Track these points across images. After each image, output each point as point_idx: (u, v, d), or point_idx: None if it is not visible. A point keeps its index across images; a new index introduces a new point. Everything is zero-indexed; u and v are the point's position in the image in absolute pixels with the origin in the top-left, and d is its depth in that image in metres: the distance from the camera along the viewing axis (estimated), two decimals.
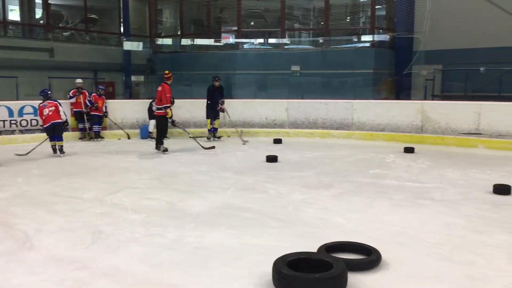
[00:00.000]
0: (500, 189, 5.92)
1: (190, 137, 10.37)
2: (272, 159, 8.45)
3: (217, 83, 11.37)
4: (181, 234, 4.38)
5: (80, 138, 11.68)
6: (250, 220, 4.84)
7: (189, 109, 12.67)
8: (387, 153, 9.50)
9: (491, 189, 6.03)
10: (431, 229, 4.59)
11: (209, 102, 11.40)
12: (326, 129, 12.36)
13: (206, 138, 11.43)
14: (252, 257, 3.79)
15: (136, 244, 4.11)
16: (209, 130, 11.48)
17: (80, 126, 11.69)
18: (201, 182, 6.78)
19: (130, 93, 16.74)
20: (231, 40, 17.13)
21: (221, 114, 11.87)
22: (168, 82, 9.61)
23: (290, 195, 5.92)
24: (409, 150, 9.59)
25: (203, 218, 4.89)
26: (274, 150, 9.78)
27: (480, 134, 10.38)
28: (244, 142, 11.00)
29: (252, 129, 12.69)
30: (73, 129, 11.70)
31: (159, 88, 9.55)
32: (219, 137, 11.61)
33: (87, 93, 11.72)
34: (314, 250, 3.75)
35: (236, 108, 12.65)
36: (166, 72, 9.82)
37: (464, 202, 5.62)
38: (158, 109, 9.62)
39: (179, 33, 18.18)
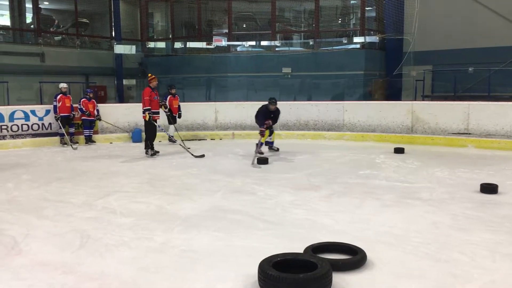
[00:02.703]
0: (487, 188, 5.99)
1: (180, 144, 10.15)
2: (262, 161, 8.49)
3: (273, 107, 9.58)
4: (169, 237, 4.40)
5: (64, 143, 11.38)
6: (238, 222, 4.87)
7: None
8: (377, 153, 9.57)
9: (479, 188, 6.10)
10: (417, 228, 4.63)
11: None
12: (318, 131, 12.42)
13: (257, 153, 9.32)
14: (239, 259, 3.82)
15: (124, 248, 4.12)
16: (262, 144, 9.61)
17: (61, 131, 11.39)
18: (191, 185, 6.80)
19: (122, 97, 16.72)
20: (224, 43, 17.19)
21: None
22: (150, 84, 9.55)
23: (278, 197, 5.95)
24: (399, 150, 9.65)
25: (191, 221, 4.91)
26: (265, 152, 9.82)
27: (469, 133, 10.48)
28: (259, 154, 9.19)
29: (244, 131, 12.72)
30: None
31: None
32: (277, 149, 10.10)
33: (71, 98, 11.67)
34: (301, 251, 3.78)
35: (227, 110, 12.77)
36: (149, 74, 9.82)
37: (451, 201, 5.68)
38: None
39: (170, 36, 18.23)
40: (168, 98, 11.64)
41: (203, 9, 17.15)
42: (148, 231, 4.56)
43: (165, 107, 10.81)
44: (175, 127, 11.75)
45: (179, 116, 11.87)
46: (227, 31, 16.85)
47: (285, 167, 8.27)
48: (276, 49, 16.40)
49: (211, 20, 17.83)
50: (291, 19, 17.75)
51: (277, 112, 9.74)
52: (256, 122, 9.68)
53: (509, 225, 4.69)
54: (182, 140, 11.36)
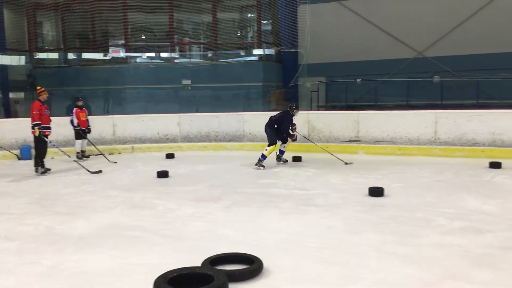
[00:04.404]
0: (374, 192, 6.42)
1: (74, 160, 9.72)
2: (163, 174, 8.34)
3: (296, 112, 9.47)
4: (60, 259, 4.12)
5: None
6: (135, 238, 4.71)
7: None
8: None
9: (367, 192, 6.51)
10: (313, 233, 4.82)
11: (276, 126, 9.35)
12: (219, 142, 12.50)
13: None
14: (135, 277, 3.69)
15: (8, 275, 3.79)
16: (279, 153, 9.76)
17: None
18: (86, 202, 6.47)
19: (9, 111, 15.50)
20: (121, 54, 16.73)
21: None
22: (40, 98, 9.00)
23: (179, 210, 5.87)
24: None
25: (85, 241, 4.66)
26: (166, 165, 9.67)
27: (359, 141, 11.18)
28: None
29: (144, 144, 12.43)
30: None
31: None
32: (286, 161, 9.78)
33: None
34: (200, 264, 3.75)
35: (126, 123, 12.40)
36: (39, 87, 9.27)
37: (344, 205, 6.00)
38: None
39: (62, 47, 17.33)
40: (74, 111, 10.98)
41: (97, 19, 16.56)
42: (36, 255, 4.24)
43: None
44: (89, 140, 11.12)
45: (89, 131, 11.19)
46: (124, 42, 16.40)
47: (186, 179, 8.20)
48: (175, 60, 16.31)
49: (106, 30, 17.25)
50: (189, 31, 17.76)
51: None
52: (270, 134, 9.35)
53: (393, 225, 5.05)
54: (105, 155, 10.83)
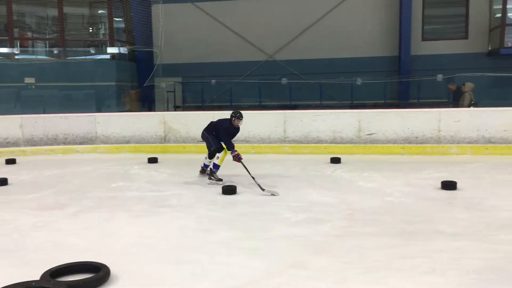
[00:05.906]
0: (228, 190, 6.61)
1: None
2: (0, 182, 7.54)
3: (239, 122, 7.67)
4: None
5: None
6: None
7: None
8: (131, 165, 9.55)
9: (221, 190, 6.67)
10: (165, 235, 4.80)
11: (214, 133, 7.77)
12: (69, 145, 11.69)
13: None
14: None
15: None
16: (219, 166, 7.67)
17: None
18: None
19: None
20: None
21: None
22: None
23: (17, 221, 5.36)
24: (153, 160, 9.85)
25: None
26: (6, 171, 8.76)
27: None
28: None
29: None
30: None
31: None
32: (221, 180, 7.46)
33: None
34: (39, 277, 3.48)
35: None
36: None
37: (198, 205, 6.07)
38: None
39: None
40: None
41: None
42: None
43: None
44: None
45: None
46: None
47: (29, 186, 7.51)
48: (16, 57, 14.86)
49: None
50: (32, 25, 16.31)
51: (238, 130, 7.84)
52: (209, 144, 7.80)
53: (244, 221, 5.26)
54: None
